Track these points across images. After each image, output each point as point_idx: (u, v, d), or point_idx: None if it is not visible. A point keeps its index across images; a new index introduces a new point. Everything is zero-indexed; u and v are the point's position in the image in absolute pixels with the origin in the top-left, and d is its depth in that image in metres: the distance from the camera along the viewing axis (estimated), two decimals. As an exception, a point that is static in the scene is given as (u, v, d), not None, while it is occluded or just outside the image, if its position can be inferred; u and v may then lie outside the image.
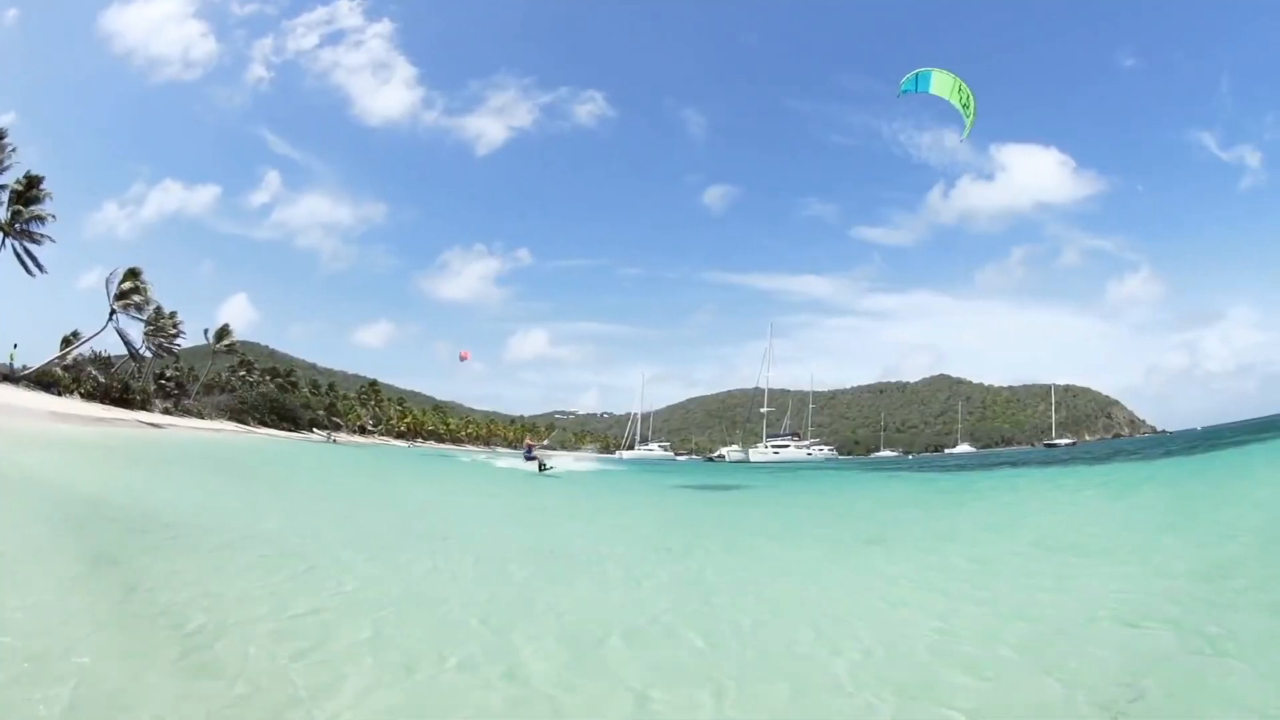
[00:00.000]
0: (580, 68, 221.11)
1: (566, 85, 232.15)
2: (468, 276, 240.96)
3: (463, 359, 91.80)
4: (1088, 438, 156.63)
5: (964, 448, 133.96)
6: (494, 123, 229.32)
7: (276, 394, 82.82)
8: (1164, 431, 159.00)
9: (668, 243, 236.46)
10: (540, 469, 25.54)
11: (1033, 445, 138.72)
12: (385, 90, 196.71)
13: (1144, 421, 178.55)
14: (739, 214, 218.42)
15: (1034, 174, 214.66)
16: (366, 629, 4.17)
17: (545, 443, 25.55)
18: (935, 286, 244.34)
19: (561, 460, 37.45)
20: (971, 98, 11.12)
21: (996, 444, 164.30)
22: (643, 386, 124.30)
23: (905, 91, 11.61)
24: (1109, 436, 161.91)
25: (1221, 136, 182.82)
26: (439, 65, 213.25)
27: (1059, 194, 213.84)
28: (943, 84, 11.26)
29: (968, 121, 11.23)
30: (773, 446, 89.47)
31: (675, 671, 3.65)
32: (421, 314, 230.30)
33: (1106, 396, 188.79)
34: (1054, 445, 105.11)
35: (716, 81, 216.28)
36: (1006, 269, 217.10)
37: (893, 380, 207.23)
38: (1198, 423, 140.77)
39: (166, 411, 55.60)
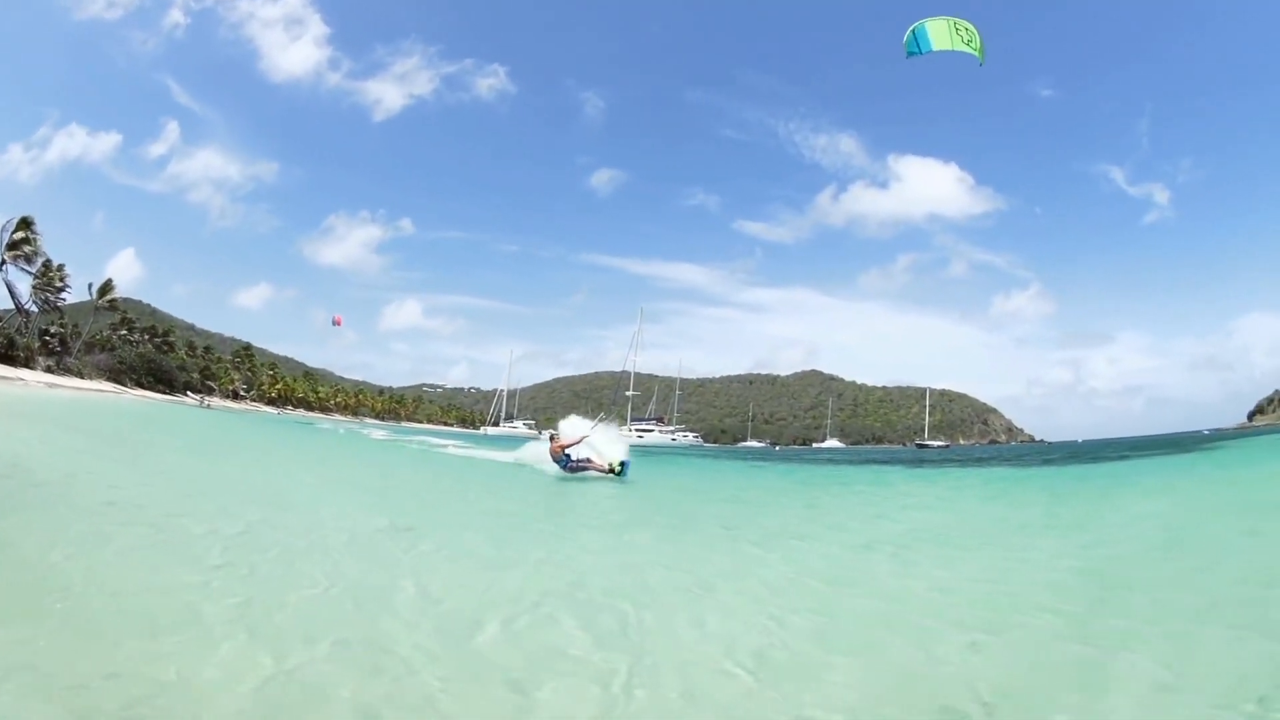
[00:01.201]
0: (487, 41, 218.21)
1: (472, 57, 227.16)
2: (350, 243, 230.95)
3: (336, 324, 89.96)
4: (962, 441, 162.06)
5: (833, 442, 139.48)
6: (395, 89, 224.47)
7: (154, 354, 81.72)
8: (1042, 441, 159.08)
9: (549, 222, 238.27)
10: (616, 472, 15.27)
11: (904, 445, 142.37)
12: (294, 47, 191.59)
13: (1022, 430, 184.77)
14: (624, 198, 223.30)
15: (930, 186, 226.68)
16: (233, 607, 3.92)
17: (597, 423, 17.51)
18: (815, 284, 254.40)
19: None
20: (974, 33, 10.78)
21: (867, 441, 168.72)
22: (511, 364, 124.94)
23: (911, 55, 11.13)
24: (984, 442, 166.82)
25: (1131, 172, 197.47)
26: (351, 25, 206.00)
27: (953, 208, 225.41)
28: (941, 37, 10.85)
29: (980, 57, 10.94)
30: (636, 430, 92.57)
31: (557, 661, 3.49)
32: (300, 278, 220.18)
33: (984, 403, 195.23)
34: (926, 446, 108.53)
35: (620, 66, 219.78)
36: (891, 274, 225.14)
37: (764, 372, 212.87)
38: (1078, 436, 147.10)
39: (49, 370, 54.55)
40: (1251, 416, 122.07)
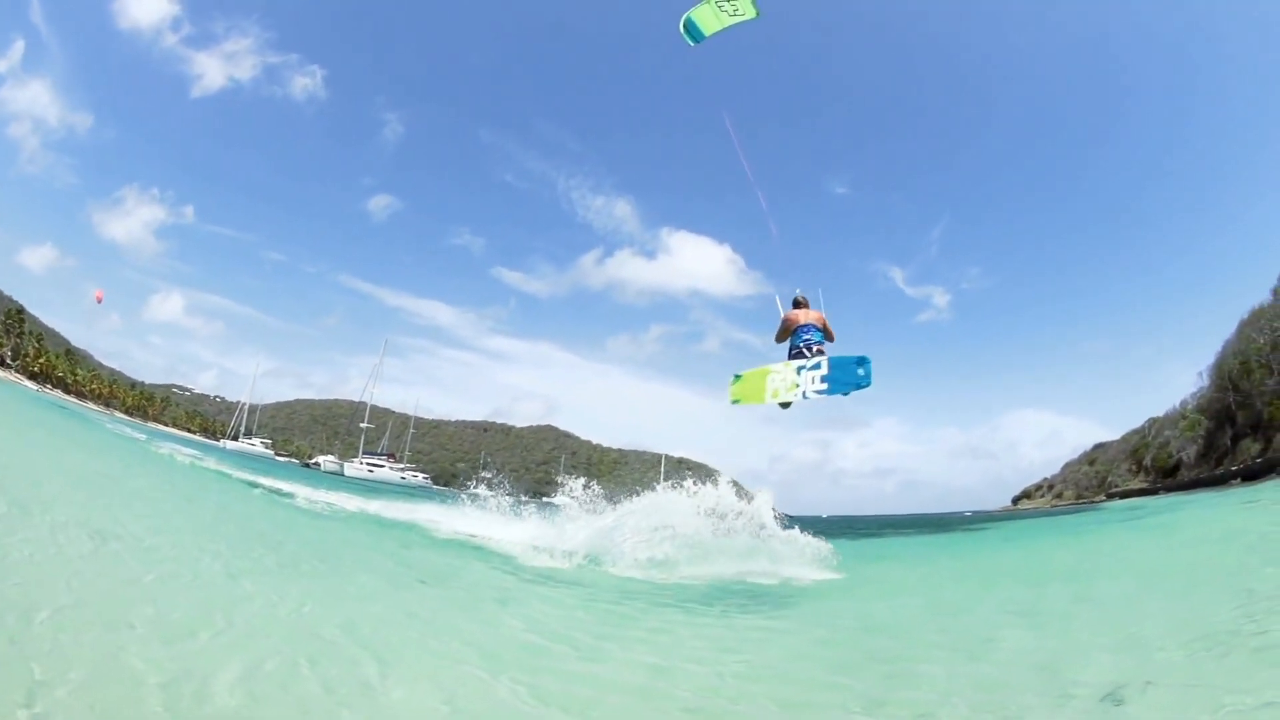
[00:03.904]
0: (318, 39, 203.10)
1: (299, 53, 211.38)
2: (134, 220, 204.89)
3: (97, 300, 79.61)
4: None
5: (563, 497, 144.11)
6: (220, 68, 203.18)
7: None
8: (784, 515, 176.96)
9: (319, 237, 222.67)
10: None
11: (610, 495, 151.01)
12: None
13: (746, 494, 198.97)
14: (395, 226, 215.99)
15: (699, 263, 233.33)
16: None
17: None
18: (562, 341, 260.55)
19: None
20: (740, 2, 10.58)
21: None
22: (255, 377, 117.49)
23: (698, 41, 10.91)
24: None
25: (913, 274, 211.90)
26: None
27: (717, 286, 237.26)
28: (708, 21, 10.73)
29: (754, 13, 10.66)
30: (368, 463, 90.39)
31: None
32: (83, 247, 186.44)
33: (722, 474, 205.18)
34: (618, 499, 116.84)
35: (428, 93, 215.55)
36: (641, 342, 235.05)
37: (499, 421, 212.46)
38: (822, 511, 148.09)
39: None
40: (1017, 501, 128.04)
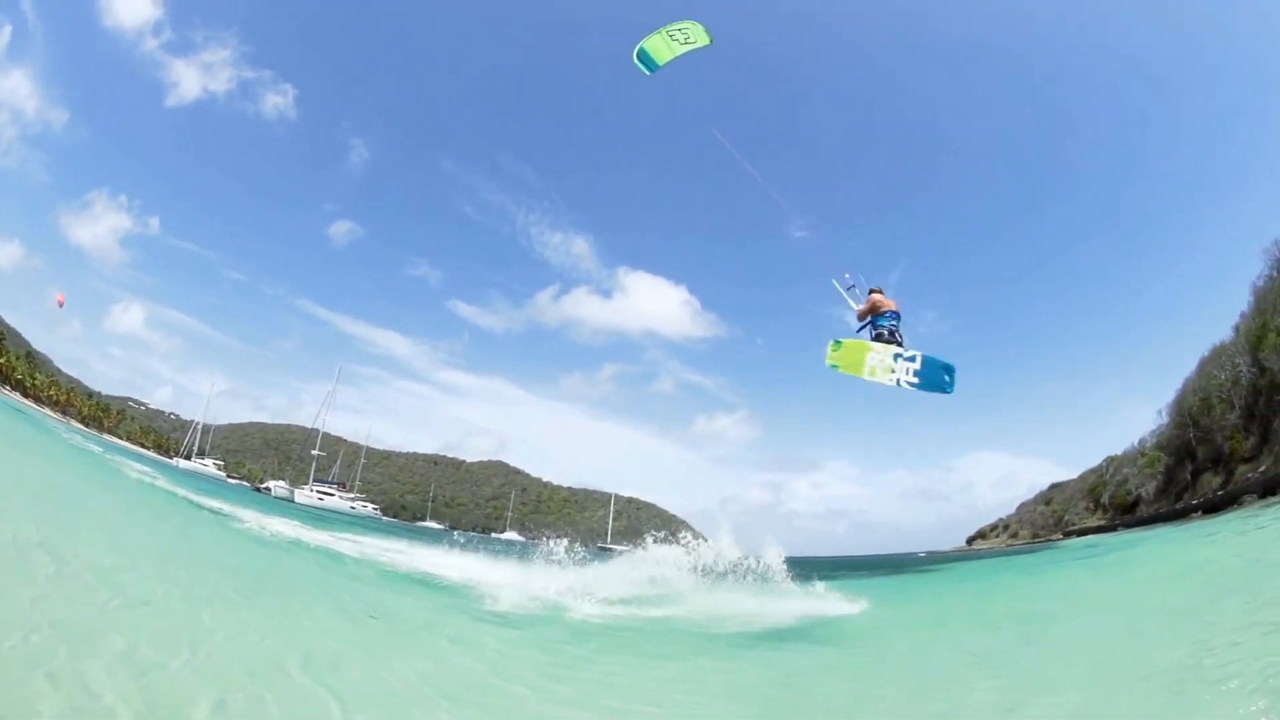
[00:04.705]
0: (293, 56, 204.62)
1: (273, 69, 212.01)
2: (101, 226, 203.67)
3: (59, 304, 78.75)
4: None
5: (512, 534, 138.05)
6: (196, 78, 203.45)
7: None
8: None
9: (279, 259, 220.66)
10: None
11: (587, 546, 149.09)
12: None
13: (704, 539, 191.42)
14: (355, 254, 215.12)
15: (654, 304, 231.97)
16: None
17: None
18: (515, 378, 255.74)
19: None
20: (694, 28, 10.86)
21: (548, 538, 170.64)
22: (210, 397, 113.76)
23: (654, 71, 11.13)
24: None
25: None
26: None
27: (672, 328, 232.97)
28: (661, 51, 10.92)
29: (707, 41, 10.95)
30: (319, 491, 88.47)
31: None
32: (50, 248, 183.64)
33: (673, 515, 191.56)
34: (609, 549, 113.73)
35: (394, 120, 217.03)
36: (595, 380, 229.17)
37: (450, 455, 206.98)
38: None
39: None
40: (971, 541, 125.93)
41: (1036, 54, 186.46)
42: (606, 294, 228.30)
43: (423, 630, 8.58)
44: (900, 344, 10.21)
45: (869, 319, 10.60)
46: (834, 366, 10.41)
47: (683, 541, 15.93)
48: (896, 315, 10.50)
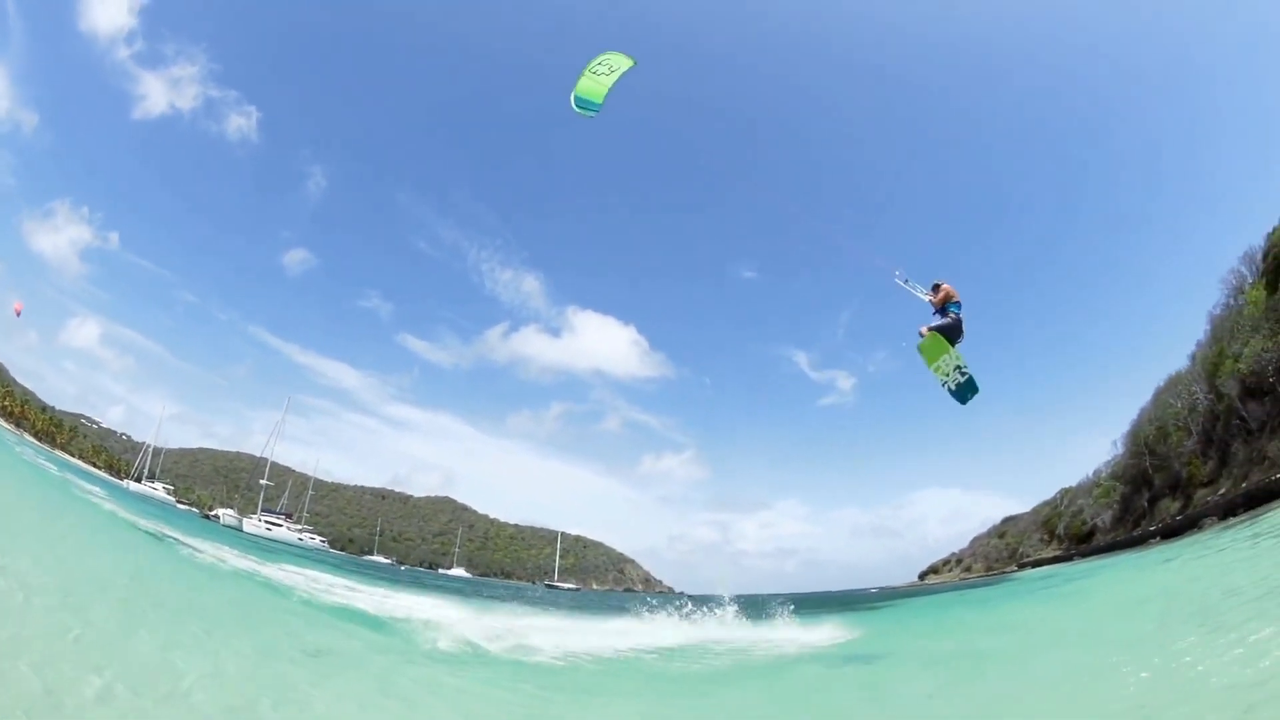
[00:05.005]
0: (259, 78, 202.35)
1: (239, 90, 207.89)
2: (62, 237, 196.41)
3: (16, 313, 76.93)
4: (595, 586, 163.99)
5: (459, 570, 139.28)
6: (163, 93, 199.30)
7: None
8: (681, 593, 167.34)
9: (233, 284, 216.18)
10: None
11: (534, 582, 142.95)
12: (114, 2, 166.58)
13: (660, 581, 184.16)
14: (307, 283, 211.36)
15: (602, 343, 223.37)
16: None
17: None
18: (463, 414, 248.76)
19: None
20: (614, 59, 11.02)
21: (496, 575, 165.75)
22: (161, 420, 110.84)
23: (592, 112, 11.29)
24: (620, 589, 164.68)
25: (818, 358, 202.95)
26: (167, 3, 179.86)
27: (620, 367, 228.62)
28: (591, 91, 11.09)
29: (630, 63, 11.10)
30: (267, 521, 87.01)
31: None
32: (10, 253, 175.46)
33: (620, 553, 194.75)
34: (555, 586, 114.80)
35: (353, 147, 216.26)
36: (542, 419, 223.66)
37: (397, 490, 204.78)
38: (723, 591, 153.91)
39: None
40: (924, 576, 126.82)
41: (977, 105, 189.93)
42: (555, 332, 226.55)
43: (353, 669, 8.46)
44: (961, 330, 11.63)
45: (943, 305, 11.84)
46: (920, 350, 11.58)
47: (683, 612, 15.77)
48: (959, 304, 11.92)
